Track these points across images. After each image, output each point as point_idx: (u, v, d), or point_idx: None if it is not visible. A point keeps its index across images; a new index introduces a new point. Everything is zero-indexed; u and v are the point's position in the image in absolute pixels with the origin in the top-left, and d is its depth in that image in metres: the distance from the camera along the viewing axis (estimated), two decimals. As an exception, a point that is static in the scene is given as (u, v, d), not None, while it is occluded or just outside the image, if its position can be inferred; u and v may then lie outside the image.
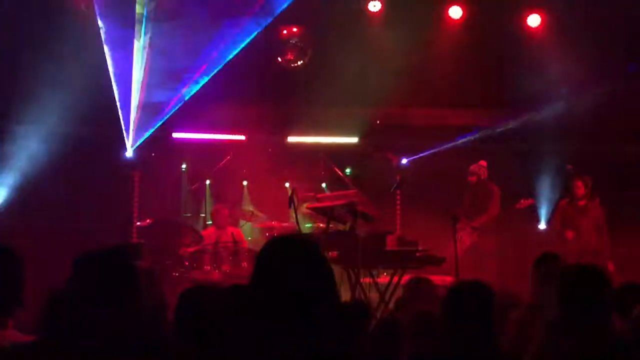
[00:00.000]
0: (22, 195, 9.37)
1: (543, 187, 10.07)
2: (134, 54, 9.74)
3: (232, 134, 11.02)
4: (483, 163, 9.33)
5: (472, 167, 9.29)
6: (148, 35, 9.61)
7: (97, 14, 9.32)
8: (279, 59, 10.39)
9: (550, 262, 4.61)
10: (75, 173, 9.42)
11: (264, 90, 10.18)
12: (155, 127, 10.22)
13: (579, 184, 8.68)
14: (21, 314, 3.04)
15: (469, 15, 10.23)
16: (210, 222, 9.84)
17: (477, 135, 10.69)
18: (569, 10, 9.78)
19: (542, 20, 10.30)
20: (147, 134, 10.20)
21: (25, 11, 8.94)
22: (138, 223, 9.52)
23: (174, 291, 7.64)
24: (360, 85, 9.86)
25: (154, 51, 9.72)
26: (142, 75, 9.82)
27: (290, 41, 10.37)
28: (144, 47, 9.66)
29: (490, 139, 10.66)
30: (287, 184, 10.22)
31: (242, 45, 9.81)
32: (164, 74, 9.91)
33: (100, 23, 9.38)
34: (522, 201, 9.27)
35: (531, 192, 9.67)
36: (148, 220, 9.27)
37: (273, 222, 9.51)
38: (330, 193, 9.26)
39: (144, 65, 9.77)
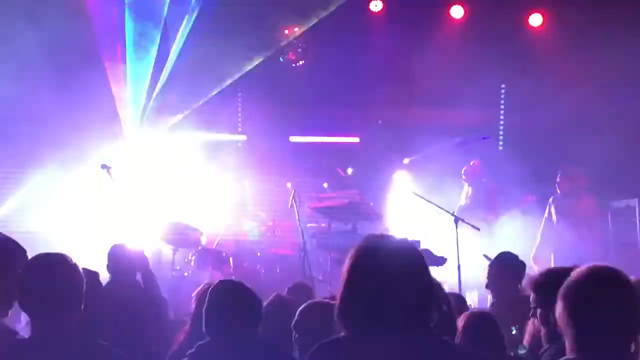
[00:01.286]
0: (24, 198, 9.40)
1: (544, 187, 10.01)
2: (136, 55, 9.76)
3: (234, 134, 11.03)
4: (477, 163, 9.26)
5: (467, 168, 9.23)
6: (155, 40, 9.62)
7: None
8: (281, 58, 10.39)
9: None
10: (76, 172, 9.43)
11: (265, 90, 10.18)
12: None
13: (562, 178, 8.38)
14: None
15: (471, 14, 10.23)
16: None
17: (479, 135, 10.68)
18: (571, 10, 9.76)
19: (544, 20, 10.30)
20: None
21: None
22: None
23: (175, 290, 7.67)
24: (362, 84, 9.86)
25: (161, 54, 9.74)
26: (144, 77, 9.84)
27: (292, 41, 10.36)
28: (150, 49, 9.67)
29: (491, 139, 10.67)
30: (288, 184, 10.23)
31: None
32: (168, 76, 9.92)
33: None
34: (524, 198, 8.97)
35: (533, 192, 9.60)
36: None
37: (274, 222, 9.49)
38: (332, 193, 9.26)
39: (148, 67, 9.78)
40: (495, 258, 5.43)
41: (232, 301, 3.31)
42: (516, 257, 5.37)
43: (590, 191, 8.50)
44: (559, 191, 8.48)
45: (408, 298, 2.10)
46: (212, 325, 3.26)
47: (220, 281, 3.65)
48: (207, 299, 3.34)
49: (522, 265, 5.31)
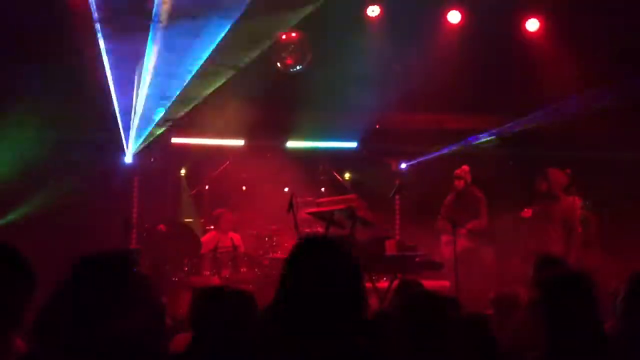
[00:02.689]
0: (22, 201, 9.39)
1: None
2: (135, 60, 9.75)
3: (231, 139, 11.03)
4: (466, 168, 9.20)
5: (458, 172, 9.14)
6: (150, 43, 9.60)
7: (97, 21, 9.31)
8: (278, 64, 10.39)
9: (549, 267, 4.61)
10: (75, 178, 9.42)
11: (263, 95, 10.18)
12: (156, 134, 10.26)
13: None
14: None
15: (468, 19, 10.24)
16: (210, 228, 9.82)
17: (475, 140, 10.70)
18: (568, 15, 9.79)
19: (541, 25, 10.32)
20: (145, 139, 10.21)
21: (27, 15, 8.92)
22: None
23: (173, 297, 7.68)
24: (359, 89, 9.86)
25: (157, 58, 9.72)
26: (143, 82, 9.82)
27: (289, 46, 10.37)
28: (146, 54, 9.66)
29: (488, 144, 10.69)
30: (286, 189, 10.21)
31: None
32: (165, 81, 9.91)
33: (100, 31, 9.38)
34: (527, 209, 8.66)
35: (530, 198, 9.58)
36: (147, 226, 9.25)
37: (272, 227, 9.48)
38: (330, 198, 9.25)
39: (145, 72, 9.77)
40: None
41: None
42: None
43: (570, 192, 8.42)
44: (539, 193, 8.41)
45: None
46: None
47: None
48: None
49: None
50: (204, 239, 9.27)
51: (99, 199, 9.46)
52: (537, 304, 3.13)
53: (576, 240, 8.07)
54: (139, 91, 9.86)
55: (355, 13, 10.20)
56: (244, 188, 10.86)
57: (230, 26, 9.37)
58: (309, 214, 8.31)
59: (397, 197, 9.98)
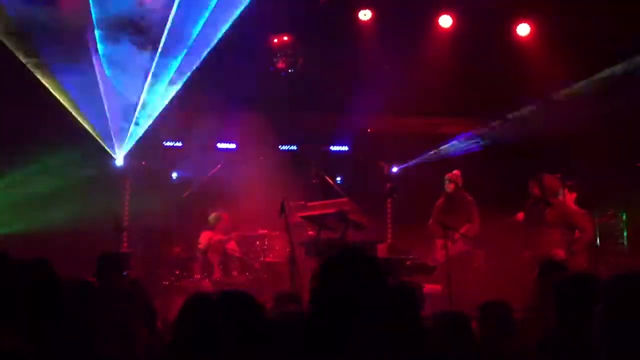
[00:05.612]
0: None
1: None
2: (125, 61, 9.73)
3: (223, 142, 11.03)
4: (457, 172, 9.16)
5: (449, 175, 9.09)
6: (140, 45, 9.60)
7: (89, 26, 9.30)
8: (271, 67, 10.39)
9: (553, 272, 4.61)
10: (68, 181, 9.39)
11: (255, 99, 10.17)
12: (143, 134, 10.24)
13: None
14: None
15: (459, 24, 10.28)
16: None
17: (467, 143, 10.73)
18: (558, 19, 9.84)
19: (532, 30, 10.37)
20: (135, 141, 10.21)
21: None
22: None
23: (164, 299, 7.65)
24: (352, 93, 9.88)
25: (146, 59, 9.71)
26: (135, 83, 9.82)
27: (282, 50, 10.37)
28: (136, 56, 9.66)
29: (481, 147, 10.72)
30: (278, 193, 10.20)
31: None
32: (156, 81, 9.90)
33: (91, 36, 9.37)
34: (520, 213, 8.56)
35: (521, 201, 9.57)
36: (138, 229, 9.24)
37: (263, 230, 9.48)
38: (321, 201, 9.25)
39: (137, 73, 9.76)
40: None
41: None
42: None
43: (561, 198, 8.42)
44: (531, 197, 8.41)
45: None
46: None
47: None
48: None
49: None
50: (201, 237, 9.24)
51: (89, 202, 9.43)
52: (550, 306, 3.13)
53: (582, 241, 7.97)
54: (130, 95, 9.85)
55: (347, 16, 10.21)
56: (236, 191, 10.85)
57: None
58: (301, 217, 8.32)
59: (388, 200, 9.97)
